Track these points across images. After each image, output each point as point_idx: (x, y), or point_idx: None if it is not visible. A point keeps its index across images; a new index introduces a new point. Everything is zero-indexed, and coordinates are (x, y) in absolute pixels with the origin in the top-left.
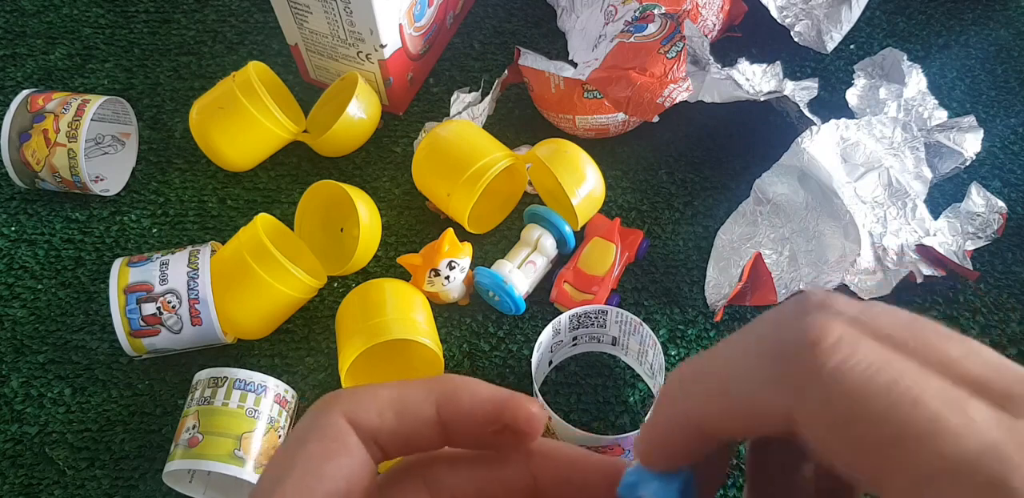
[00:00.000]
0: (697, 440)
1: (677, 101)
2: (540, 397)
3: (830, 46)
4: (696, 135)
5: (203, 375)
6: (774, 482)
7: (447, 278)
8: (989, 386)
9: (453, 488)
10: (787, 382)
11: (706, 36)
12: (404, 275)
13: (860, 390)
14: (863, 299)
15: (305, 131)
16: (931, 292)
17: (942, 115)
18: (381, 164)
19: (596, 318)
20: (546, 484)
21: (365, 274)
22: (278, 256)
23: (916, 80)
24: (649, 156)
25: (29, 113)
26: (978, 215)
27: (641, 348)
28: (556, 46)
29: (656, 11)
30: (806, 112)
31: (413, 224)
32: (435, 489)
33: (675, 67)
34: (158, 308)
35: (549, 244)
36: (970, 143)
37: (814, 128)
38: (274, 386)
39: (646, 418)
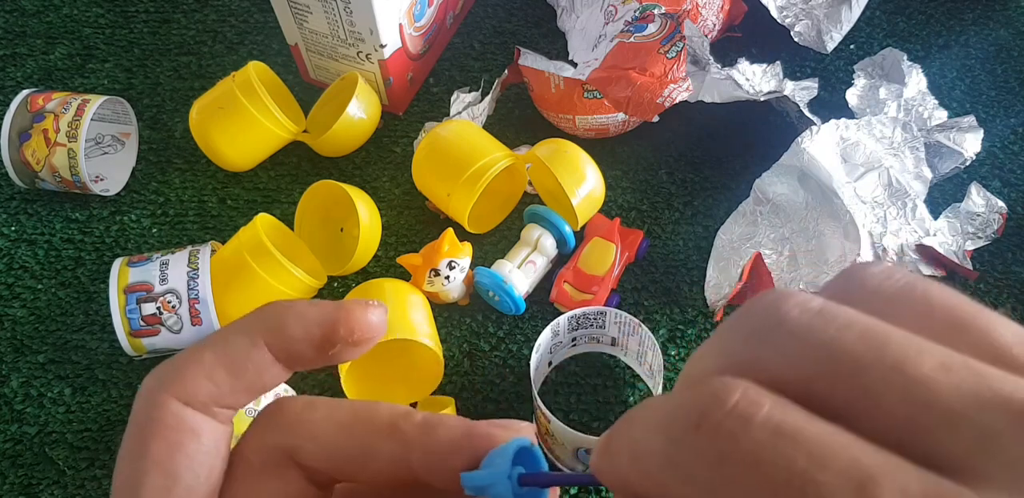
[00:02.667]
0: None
1: (677, 101)
2: (538, 399)
3: (830, 46)
4: (696, 135)
5: None
6: None
7: (447, 278)
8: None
9: (317, 457)
10: (680, 468)
11: (706, 36)
12: (404, 275)
13: (744, 479)
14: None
15: (305, 131)
16: None
17: (942, 115)
18: (381, 164)
19: (595, 319)
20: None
21: (365, 274)
22: (278, 256)
23: (916, 80)
24: (649, 156)
25: (29, 113)
26: (978, 215)
27: (640, 349)
28: (556, 46)
29: (656, 11)
30: (806, 112)
31: (413, 224)
32: (299, 459)
33: (675, 67)
34: (158, 308)
35: (549, 244)
36: (970, 143)
37: (814, 128)
38: None
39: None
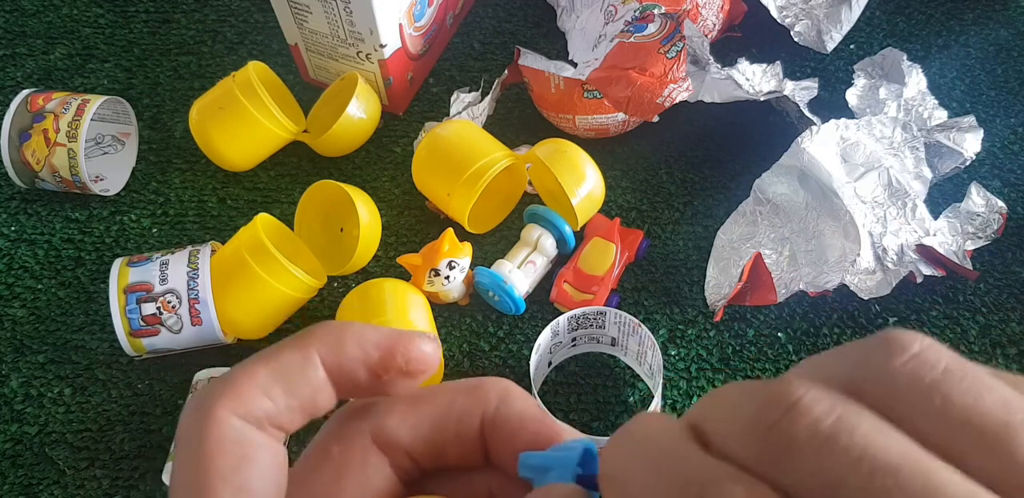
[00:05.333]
0: None
1: (677, 101)
2: (538, 399)
3: (830, 46)
4: (696, 135)
5: (203, 375)
6: None
7: (447, 278)
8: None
9: (404, 444)
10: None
11: (706, 36)
12: (404, 275)
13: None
14: (864, 299)
15: (305, 131)
16: (931, 292)
17: (942, 115)
18: (381, 164)
19: (595, 319)
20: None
21: (365, 274)
22: (278, 256)
23: (916, 80)
24: (649, 156)
25: (29, 113)
26: (978, 215)
27: (640, 349)
28: (556, 46)
29: (656, 11)
30: (806, 112)
31: (413, 224)
32: (386, 446)
33: (675, 67)
34: (158, 308)
35: (549, 244)
36: (970, 143)
37: (814, 128)
38: None
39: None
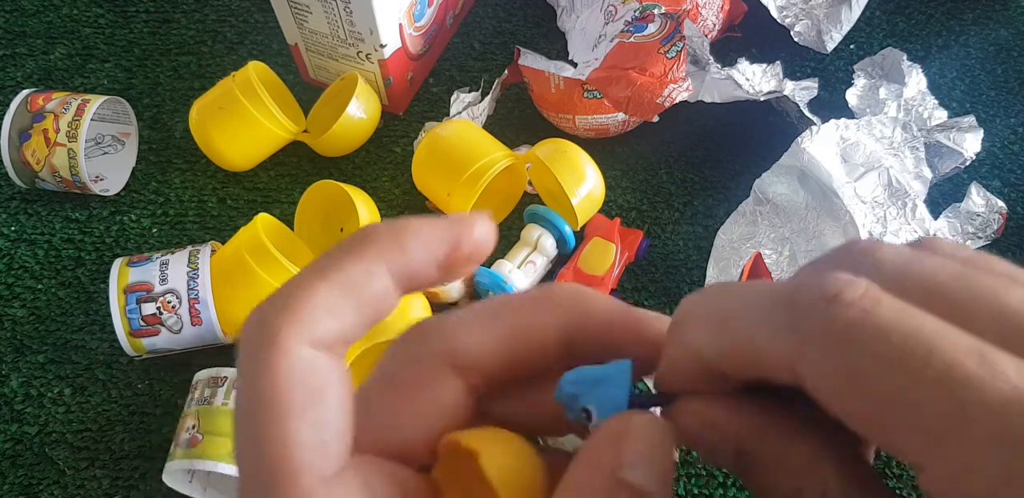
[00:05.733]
0: (703, 374)
1: (677, 101)
2: None
3: (830, 46)
4: (696, 135)
5: (203, 375)
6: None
7: None
8: None
9: (478, 361)
10: (793, 334)
11: (706, 36)
12: None
13: (871, 344)
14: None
15: (305, 131)
16: None
17: (942, 115)
18: (381, 164)
19: None
20: (578, 346)
21: None
22: (278, 256)
23: (916, 80)
24: (649, 156)
25: (29, 113)
26: (978, 215)
27: None
28: (556, 46)
29: (656, 11)
30: (806, 112)
31: None
32: (459, 366)
33: (675, 67)
34: (158, 308)
35: (549, 244)
36: (970, 143)
37: (814, 128)
38: None
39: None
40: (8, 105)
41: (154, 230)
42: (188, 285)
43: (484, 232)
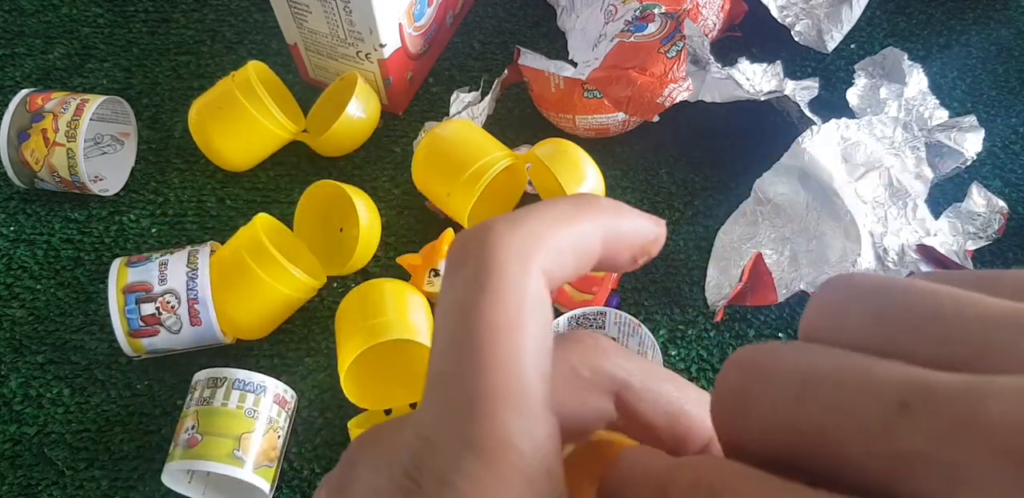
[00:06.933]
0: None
1: (677, 101)
2: None
3: (831, 46)
4: (696, 135)
5: (202, 375)
6: None
7: None
8: None
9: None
10: None
11: (706, 36)
12: (404, 275)
13: None
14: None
15: (305, 131)
16: None
17: (943, 115)
18: (381, 164)
19: (595, 319)
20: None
21: (365, 274)
22: (277, 256)
23: (917, 80)
24: (649, 156)
25: (28, 113)
26: (979, 215)
27: (640, 349)
28: (556, 46)
29: (656, 11)
30: (807, 112)
31: (413, 224)
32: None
33: (675, 67)
34: (157, 308)
35: None
36: (971, 143)
37: (814, 128)
38: (273, 386)
39: None
40: (7, 105)
41: (153, 230)
42: (187, 285)
43: (663, 234)
